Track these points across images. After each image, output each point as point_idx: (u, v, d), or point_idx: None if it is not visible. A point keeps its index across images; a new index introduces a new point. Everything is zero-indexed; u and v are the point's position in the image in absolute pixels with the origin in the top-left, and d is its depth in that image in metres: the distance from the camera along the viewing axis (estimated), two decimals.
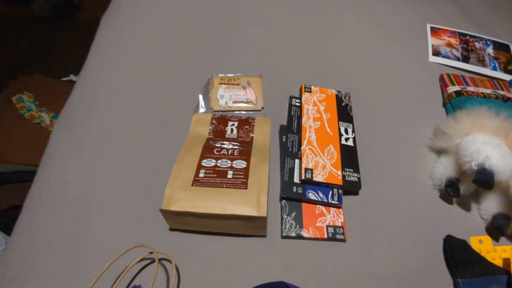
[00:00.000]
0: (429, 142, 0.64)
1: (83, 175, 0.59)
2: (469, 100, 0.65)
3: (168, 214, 0.50)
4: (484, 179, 0.49)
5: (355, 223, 0.56)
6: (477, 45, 0.79)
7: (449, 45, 0.78)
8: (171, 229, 0.55)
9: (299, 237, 0.53)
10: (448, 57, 0.76)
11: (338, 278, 0.51)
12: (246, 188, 0.51)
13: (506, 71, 0.75)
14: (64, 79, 1.51)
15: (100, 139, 0.63)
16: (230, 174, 0.53)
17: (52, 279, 0.49)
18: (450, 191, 0.55)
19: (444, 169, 0.59)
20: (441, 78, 0.72)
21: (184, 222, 0.52)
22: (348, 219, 0.57)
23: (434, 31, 0.81)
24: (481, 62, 0.75)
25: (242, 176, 0.53)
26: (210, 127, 0.64)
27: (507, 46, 0.79)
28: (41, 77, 1.39)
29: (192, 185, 0.51)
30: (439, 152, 0.63)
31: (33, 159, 1.13)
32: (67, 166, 0.60)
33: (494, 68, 0.75)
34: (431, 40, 0.79)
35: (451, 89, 0.68)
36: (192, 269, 0.51)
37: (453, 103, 0.66)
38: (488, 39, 0.80)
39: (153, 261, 0.51)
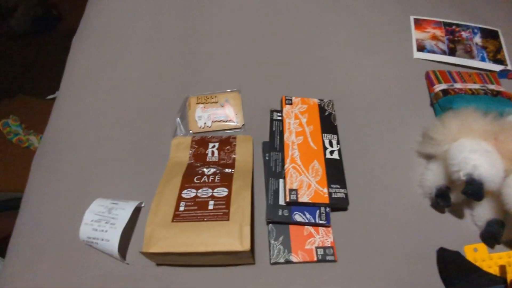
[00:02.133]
0: (417, 147, 0.62)
1: (62, 215, 0.57)
2: (457, 98, 0.62)
3: (150, 255, 0.48)
4: (473, 191, 0.47)
5: (346, 241, 0.55)
6: (464, 34, 0.75)
7: (434, 37, 0.74)
8: (158, 265, 0.53)
9: (288, 262, 0.52)
10: (433, 52, 0.72)
11: None
12: (228, 220, 0.49)
13: (495, 60, 0.71)
14: (49, 96, 1.49)
15: (76, 174, 0.61)
16: (211, 204, 0.52)
17: None
18: (440, 201, 0.53)
19: (434, 176, 0.56)
20: (427, 76, 0.68)
21: (168, 260, 0.51)
22: (338, 238, 0.55)
23: (418, 23, 0.77)
24: (469, 53, 0.72)
25: (224, 206, 0.51)
26: (191, 151, 0.62)
27: (496, 33, 0.76)
28: (25, 98, 1.37)
29: (173, 221, 0.50)
30: (429, 157, 0.60)
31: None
32: (43, 208, 0.58)
33: (483, 59, 0.71)
34: (415, 34, 0.75)
35: (438, 87, 0.65)
36: None
37: (440, 103, 0.63)
38: (476, 27, 0.76)
39: None
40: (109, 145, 0.64)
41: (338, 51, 0.74)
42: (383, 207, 0.57)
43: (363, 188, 0.59)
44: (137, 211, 0.57)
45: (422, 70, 0.71)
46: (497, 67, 0.70)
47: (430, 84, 0.67)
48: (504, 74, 0.68)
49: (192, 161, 0.60)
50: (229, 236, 0.47)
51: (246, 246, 0.46)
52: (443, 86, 0.65)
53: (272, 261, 0.52)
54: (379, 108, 0.67)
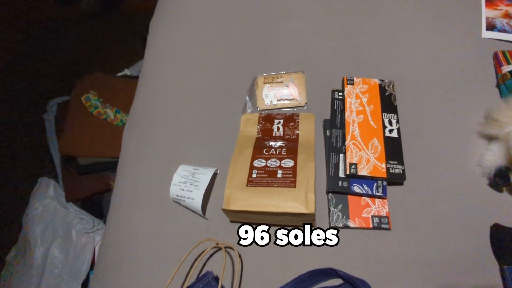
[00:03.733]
0: (479, 128, 0.63)
1: (153, 176, 0.69)
2: None
3: (228, 212, 0.58)
4: None
5: (400, 212, 0.60)
6: None
7: (507, 15, 0.72)
8: (232, 221, 0.63)
9: (346, 227, 0.58)
10: (505, 31, 0.70)
11: (385, 264, 0.56)
12: (295, 187, 0.57)
13: None
14: (119, 74, 1.64)
15: (162, 143, 0.72)
16: (279, 173, 0.59)
17: (139, 266, 0.61)
18: (499, 180, 0.55)
19: (494, 157, 0.58)
20: (495, 56, 0.68)
21: (242, 217, 0.60)
22: (393, 209, 0.60)
23: (490, 0, 0.74)
24: None
25: (291, 175, 0.58)
26: (258, 126, 0.69)
27: None
28: (101, 74, 1.53)
29: (247, 185, 0.58)
30: (490, 138, 0.61)
31: (106, 151, 1.30)
32: (138, 169, 0.70)
33: None
34: (486, 12, 0.73)
35: (506, 68, 0.64)
36: (251, 255, 0.59)
37: (507, 85, 0.63)
38: None
39: (219, 249, 0.61)
40: (188, 119, 0.73)
41: (402, 30, 0.75)
42: (439, 183, 0.61)
43: (421, 164, 0.63)
44: (214, 176, 0.66)
45: (490, 51, 0.69)
46: None
47: (498, 65, 0.66)
48: None
49: (260, 135, 0.68)
50: (296, 201, 0.55)
51: (311, 209, 0.54)
52: (511, 67, 0.64)
53: (332, 225, 0.59)
54: (441, 89, 0.68)
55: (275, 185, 0.57)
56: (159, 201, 0.66)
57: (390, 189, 0.61)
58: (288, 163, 0.60)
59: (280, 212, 0.55)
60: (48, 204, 1.39)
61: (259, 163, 0.61)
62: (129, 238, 0.64)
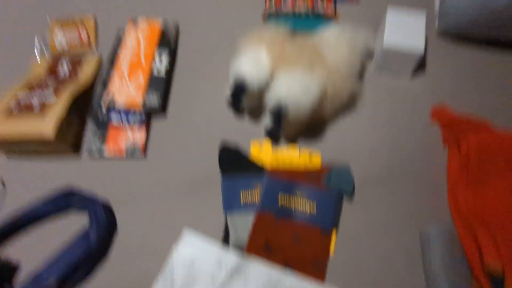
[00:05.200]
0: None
1: None
2: (278, 19, 0.67)
3: None
4: (235, 90, 0.55)
5: (158, 142, 0.64)
6: None
7: None
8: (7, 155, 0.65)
9: (100, 155, 0.62)
10: None
11: (135, 189, 0.60)
12: (42, 116, 0.59)
13: None
14: None
15: None
16: (36, 104, 0.61)
17: None
18: (231, 104, 0.61)
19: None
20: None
21: (11, 150, 0.63)
22: (153, 139, 0.64)
23: None
24: None
25: (45, 106, 0.61)
26: (47, 68, 0.71)
27: None
28: None
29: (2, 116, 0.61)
30: None
31: None
32: None
33: None
34: None
35: (268, 11, 0.70)
36: (23, 185, 0.62)
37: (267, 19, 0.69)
38: None
39: None
40: None
41: None
42: (195, 114, 0.66)
43: (184, 97, 0.68)
44: None
45: None
46: None
47: (264, 7, 0.71)
48: None
49: (46, 76, 0.70)
50: (36, 127, 0.58)
51: (48, 135, 0.57)
52: (272, 9, 0.69)
53: (86, 150, 0.63)
54: (218, 33, 0.73)
55: (27, 114, 0.60)
56: None
57: (156, 122, 0.66)
58: (50, 96, 0.63)
59: (25, 138, 0.58)
60: None
61: (23, 94, 0.63)
62: None
